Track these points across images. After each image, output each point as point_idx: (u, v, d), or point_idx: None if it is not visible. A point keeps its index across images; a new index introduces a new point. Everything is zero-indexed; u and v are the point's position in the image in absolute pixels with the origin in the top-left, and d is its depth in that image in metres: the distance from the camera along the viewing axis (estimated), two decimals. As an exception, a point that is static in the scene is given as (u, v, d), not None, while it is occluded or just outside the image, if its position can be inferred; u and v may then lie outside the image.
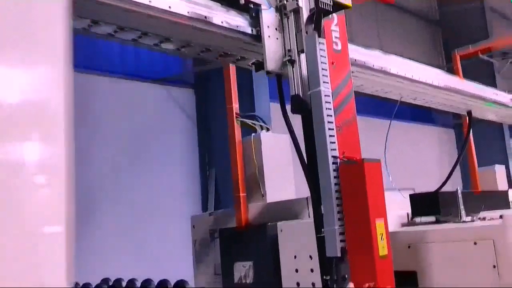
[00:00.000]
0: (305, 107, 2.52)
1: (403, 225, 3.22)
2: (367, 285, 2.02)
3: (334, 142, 2.38)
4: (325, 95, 2.40)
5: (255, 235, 3.72)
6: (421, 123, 13.42)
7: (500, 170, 6.24)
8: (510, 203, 3.79)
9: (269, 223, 3.64)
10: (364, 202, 2.20)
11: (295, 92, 2.55)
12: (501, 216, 2.70)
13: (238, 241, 3.86)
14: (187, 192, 8.38)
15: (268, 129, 4.52)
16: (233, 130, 4.31)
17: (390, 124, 3.71)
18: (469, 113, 4.75)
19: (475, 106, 4.84)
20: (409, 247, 2.95)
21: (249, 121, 4.42)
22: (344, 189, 2.29)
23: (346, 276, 2.20)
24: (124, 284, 3.01)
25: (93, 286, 2.86)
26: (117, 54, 8.28)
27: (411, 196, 3.20)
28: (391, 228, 3.13)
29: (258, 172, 4.19)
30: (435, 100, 4.26)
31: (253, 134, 4.39)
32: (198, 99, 9.05)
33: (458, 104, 4.53)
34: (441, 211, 3.07)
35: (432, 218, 3.21)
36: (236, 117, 4.37)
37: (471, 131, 5.01)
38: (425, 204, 3.12)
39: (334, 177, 2.31)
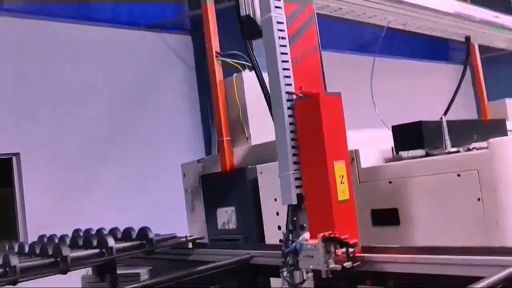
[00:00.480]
0: (259, 31, 2.24)
1: (387, 160, 3.00)
2: (321, 234, 1.82)
3: (290, 76, 2.10)
4: (277, 22, 2.12)
5: (235, 180, 3.58)
6: (435, 61, 12.99)
7: (511, 104, 5.93)
8: (508, 132, 3.50)
9: (249, 166, 3.48)
10: (320, 141, 1.96)
11: (245, 13, 2.27)
12: (488, 145, 2.46)
13: (219, 186, 3.72)
14: (191, 141, 8.29)
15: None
16: (214, 70, 4.05)
17: (374, 59, 3.42)
18: (467, 38, 4.38)
19: (476, 32, 4.45)
20: (390, 183, 2.75)
21: (230, 60, 4.18)
22: (299, 129, 2.04)
23: (305, 226, 2.00)
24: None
25: (58, 237, 2.79)
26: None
27: (393, 127, 2.91)
28: (372, 164, 2.93)
29: (242, 114, 3.99)
30: (428, 25, 3.90)
31: (235, 74, 4.18)
32: (196, 45, 8.78)
33: (455, 29, 4.15)
34: (424, 143, 2.82)
35: (421, 152, 2.97)
36: (216, 56, 4.13)
37: (469, 58, 4.66)
38: (408, 136, 2.87)
39: (289, 115, 2.06)
